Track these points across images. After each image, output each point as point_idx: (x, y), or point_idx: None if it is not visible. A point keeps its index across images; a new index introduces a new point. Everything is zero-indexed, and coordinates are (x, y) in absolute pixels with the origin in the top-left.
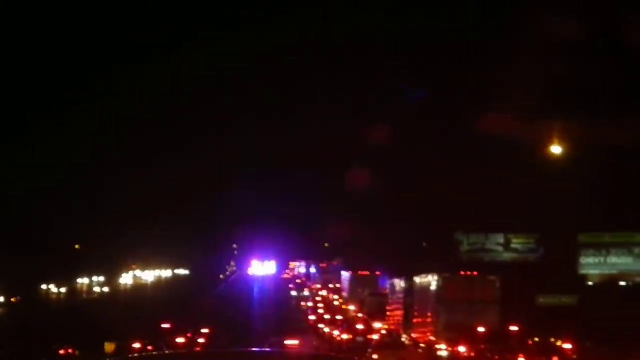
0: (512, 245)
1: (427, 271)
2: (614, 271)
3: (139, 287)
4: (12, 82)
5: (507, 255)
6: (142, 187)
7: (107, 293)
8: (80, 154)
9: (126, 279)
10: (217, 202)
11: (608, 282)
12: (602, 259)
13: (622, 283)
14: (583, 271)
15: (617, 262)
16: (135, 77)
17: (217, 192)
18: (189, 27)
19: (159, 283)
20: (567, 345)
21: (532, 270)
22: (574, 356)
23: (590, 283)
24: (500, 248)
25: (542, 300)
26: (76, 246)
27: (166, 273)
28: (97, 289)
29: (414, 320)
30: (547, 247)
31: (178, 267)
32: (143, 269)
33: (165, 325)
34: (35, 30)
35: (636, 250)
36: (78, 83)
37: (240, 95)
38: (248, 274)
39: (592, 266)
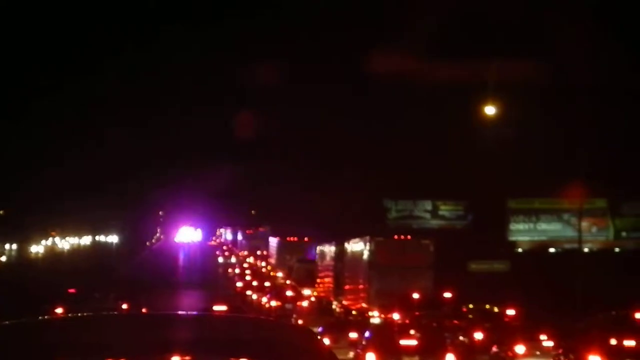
0: (440, 213)
1: (358, 236)
2: (543, 237)
3: (54, 255)
4: None
5: (435, 223)
6: (68, 151)
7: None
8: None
9: (39, 247)
10: (143, 169)
11: (538, 249)
12: (532, 225)
13: (552, 250)
14: (513, 238)
15: (547, 228)
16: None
17: (144, 159)
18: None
19: (77, 251)
20: (510, 312)
21: (462, 237)
22: (518, 322)
23: (520, 250)
24: (428, 215)
25: (474, 266)
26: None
27: (86, 240)
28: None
29: (346, 287)
30: (476, 214)
31: (100, 234)
32: (63, 236)
33: (71, 291)
34: None
35: (565, 216)
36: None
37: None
38: (174, 242)
39: (522, 233)
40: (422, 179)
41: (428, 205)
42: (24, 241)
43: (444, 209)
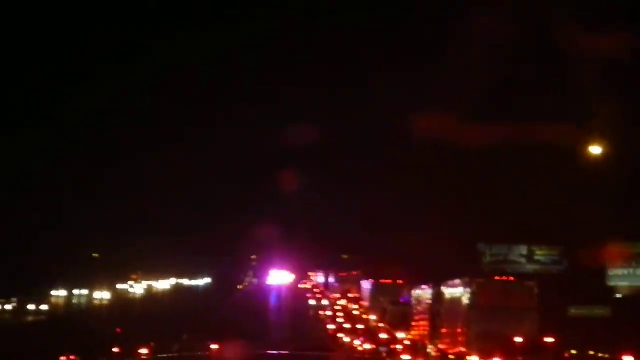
0: (536, 257)
1: (457, 278)
2: None
3: (125, 302)
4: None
5: (530, 267)
6: (154, 195)
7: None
8: (82, 156)
9: (105, 293)
10: (235, 211)
11: (638, 294)
12: (631, 270)
13: None
14: (612, 283)
15: None
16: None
17: (235, 201)
18: None
19: (153, 295)
20: (629, 359)
21: (559, 281)
22: None
23: (619, 295)
24: (523, 260)
25: (574, 311)
26: (94, 255)
27: (168, 284)
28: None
29: (442, 330)
30: (573, 258)
31: (186, 277)
32: (146, 279)
33: (118, 331)
34: None
35: None
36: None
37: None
38: (266, 284)
39: (621, 278)
40: (517, 223)
41: (524, 250)
42: (94, 286)
43: (540, 254)
